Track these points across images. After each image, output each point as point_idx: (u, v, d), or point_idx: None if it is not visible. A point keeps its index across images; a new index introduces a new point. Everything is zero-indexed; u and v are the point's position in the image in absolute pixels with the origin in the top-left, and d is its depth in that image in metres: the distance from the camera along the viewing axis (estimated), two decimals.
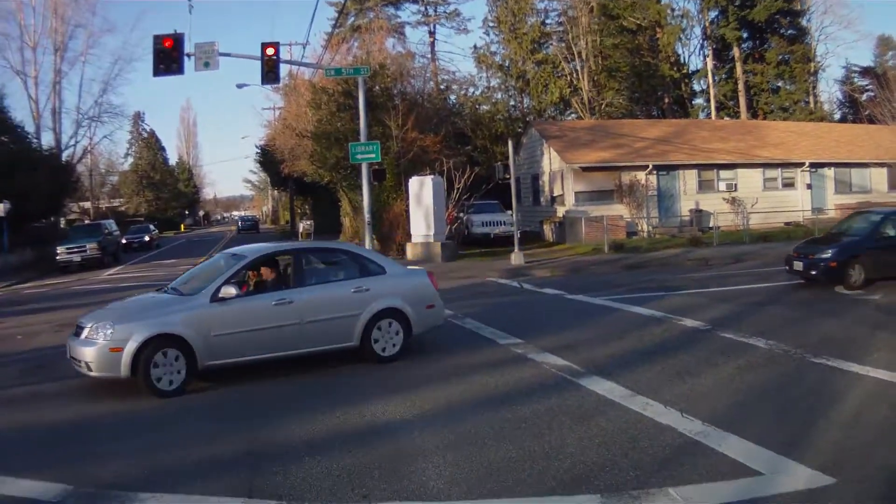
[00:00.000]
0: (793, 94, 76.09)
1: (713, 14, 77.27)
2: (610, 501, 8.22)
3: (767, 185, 49.30)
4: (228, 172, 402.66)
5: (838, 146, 53.29)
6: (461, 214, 45.73)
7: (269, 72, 36.73)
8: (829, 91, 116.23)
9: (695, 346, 15.88)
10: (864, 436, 9.98)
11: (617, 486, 8.63)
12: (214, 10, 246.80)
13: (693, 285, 25.41)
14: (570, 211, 45.99)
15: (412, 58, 70.18)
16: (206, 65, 35.77)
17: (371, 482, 9.09)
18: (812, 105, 76.53)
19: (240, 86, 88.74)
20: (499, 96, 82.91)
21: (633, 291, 24.64)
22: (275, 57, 36.62)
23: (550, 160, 50.51)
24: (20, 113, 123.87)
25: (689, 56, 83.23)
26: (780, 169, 49.75)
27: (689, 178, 48.20)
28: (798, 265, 24.03)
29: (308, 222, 59.10)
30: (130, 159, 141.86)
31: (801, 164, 49.63)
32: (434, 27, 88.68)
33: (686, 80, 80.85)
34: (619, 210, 45.41)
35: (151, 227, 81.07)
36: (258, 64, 36.76)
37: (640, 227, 45.64)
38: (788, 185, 49.87)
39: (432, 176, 39.45)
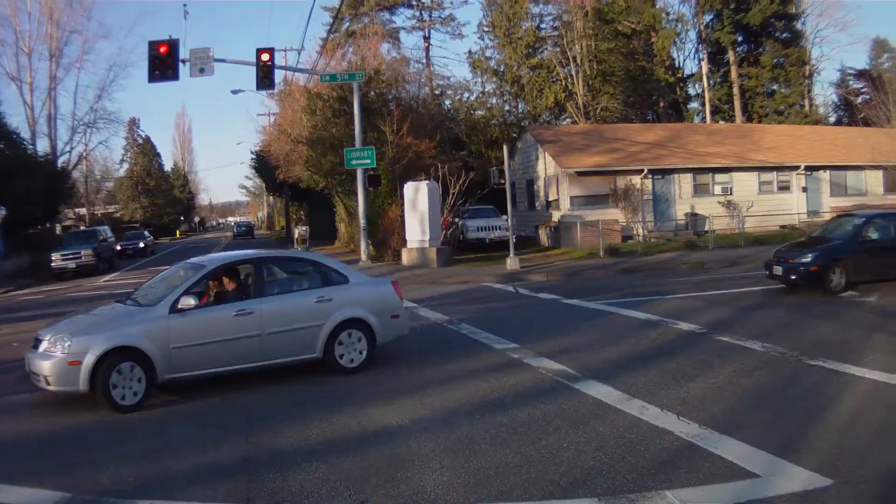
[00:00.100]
0: (788, 98, 76.20)
1: (708, 18, 77.46)
2: None
3: (763, 188, 49.32)
4: (224, 178, 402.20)
5: (833, 149, 53.33)
6: (456, 220, 45.68)
7: (265, 77, 36.90)
8: (824, 94, 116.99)
9: (691, 349, 15.90)
10: (861, 437, 10.01)
11: (614, 489, 8.64)
12: (210, 16, 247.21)
13: (688, 289, 25.40)
14: (566, 215, 46.02)
15: (407, 63, 70.50)
16: (202, 71, 35.88)
17: (369, 488, 9.09)
18: (807, 108, 76.69)
19: (235, 91, 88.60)
20: (494, 101, 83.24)
21: (629, 295, 24.66)
22: (270, 62, 36.79)
23: (545, 165, 50.52)
24: (16, 119, 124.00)
25: (684, 60, 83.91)
26: (775, 172, 49.78)
27: (684, 182, 48.22)
28: (778, 270, 23.90)
29: (303, 228, 59.08)
30: (126, 165, 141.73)
31: (796, 168, 49.68)
32: (429, 32, 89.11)
33: (681, 84, 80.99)
34: (615, 214, 45.38)
35: (146, 233, 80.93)
36: (253, 69, 36.95)
37: (635, 232, 45.60)
38: (784, 188, 49.88)
39: (427, 181, 39.37)
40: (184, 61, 35.35)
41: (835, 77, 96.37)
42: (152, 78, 34.60)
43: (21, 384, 15.04)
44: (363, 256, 40.86)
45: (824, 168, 50.60)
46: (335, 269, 16.05)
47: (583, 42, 74.21)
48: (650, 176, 47.30)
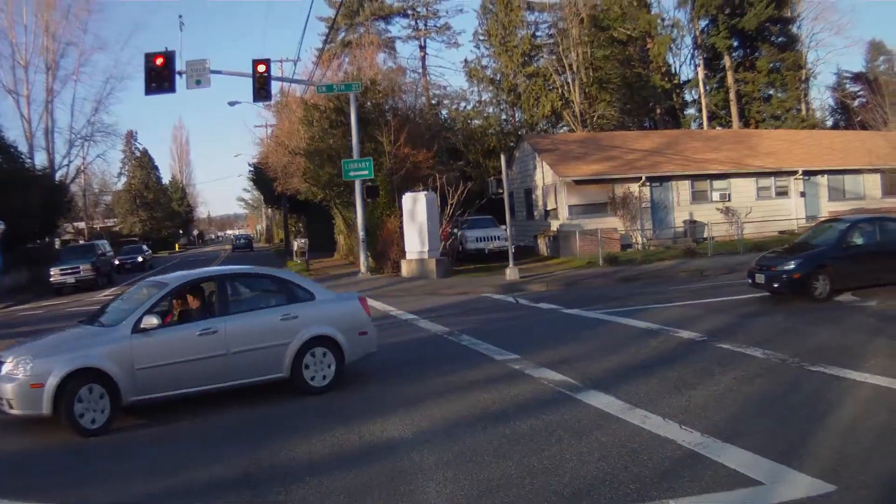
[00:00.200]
0: (784, 102, 76.24)
1: (704, 23, 77.60)
2: None
3: (761, 194, 49.36)
4: (222, 191, 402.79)
5: (831, 153, 53.38)
6: (455, 230, 45.70)
7: (261, 89, 36.93)
8: (820, 98, 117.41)
9: (692, 357, 15.89)
10: (863, 442, 10.01)
11: (617, 499, 8.64)
12: (205, 28, 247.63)
13: (688, 297, 25.39)
14: (564, 225, 46.02)
15: (403, 73, 70.41)
16: (198, 82, 35.92)
17: (371, 501, 9.11)
18: (804, 112, 76.78)
19: (232, 103, 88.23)
20: (490, 110, 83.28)
21: (629, 304, 24.62)
22: (266, 74, 36.84)
23: (543, 174, 50.53)
24: (13, 132, 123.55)
25: (681, 66, 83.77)
26: (773, 178, 49.81)
27: (682, 189, 48.23)
28: (760, 278, 23.67)
29: (302, 240, 59.09)
30: (124, 178, 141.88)
31: (794, 173, 49.73)
32: (425, 41, 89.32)
33: (677, 91, 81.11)
34: (613, 223, 45.42)
35: (144, 247, 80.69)
36: (250, 81, 36.95)
37: (634, 240, 45.64)
38: (782, 193, 49.92)
39: (426, 192, 39.40)
40: (180, 73, 35.38)
41: (831, 81, 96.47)
42: (149, 90, 34.62)
43: None
44: (362, 268, 40.91)
45: (822, 172, 50.63)
46: (301, 286, 15.85)
47: (578, 49, 74.36)
48: (648, 183, 47.31)
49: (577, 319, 22.63)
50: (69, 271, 49.82)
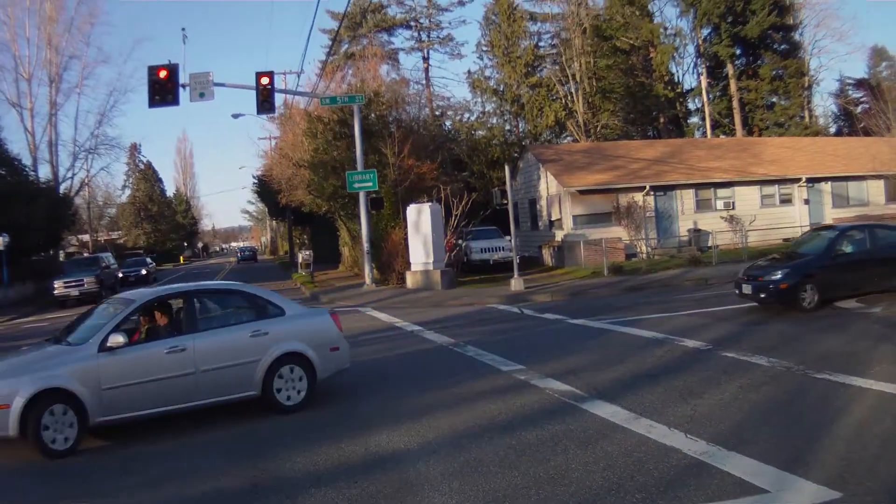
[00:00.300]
0: (787, 110, 76.17)
1: (706, 31, 77.54)
2: None
3: (765, 201, 49.40)
4: (226, 203, 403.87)
5: (834, 160, 53.38)
6: (460, 241, 45.77)
7: (265, 101, 37.01)
8: (823, 105, 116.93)
9: (697, 366, 15.89)
10: (869, 449, 10.01)
11: None
12: (208, 40, 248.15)
13: (693, 305, 25.36)
14: (569, 235, 46.03)
15: (407, 84, 70.70)
16: (202, 95, 35.98)
17: None
18: (807, 119, 76.68)
19: (235, 116, 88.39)
20: (494, 121, 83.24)
21: (634, 314, 24.63)
22: (269, 86, 36.92)
23: (547, 184, 50.59)
24: (17, 145, 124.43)
25: (683, 75, 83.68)
26: (777, 185, 49.84)
27: (686, 198, 48.26)
28: (747, 288, 23.38)
29: (307, 252, 58.98)
30: (128, 191, 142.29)
31: (797, 180, 49.75)
32: (428, 53, 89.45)
33: (681, 99, 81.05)
34: (618, 232, 45.44)
35: (148, 259, 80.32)
36: (253, 93, 37.05)
37: (639, 249, 45.64)
38: (786, 201, 49.94)
39: (430, 203, 39.42)
40: (184, 86, 35.47)
41: (834, 87, 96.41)
42: (152, 103, 34.72)
43: None
44: (367, 280, 40.91)
45: (826, 179, 50.70)
46: (270, 301, 15.44)
47: (581, 59, 74.42)
48: (652, 192, 47.37)
49: (582, 329, 22.63)
50: (73, 284, 49.90)
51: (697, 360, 16.58)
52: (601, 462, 10.19)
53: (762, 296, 22.88)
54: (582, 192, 46.24)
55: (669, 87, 78.48)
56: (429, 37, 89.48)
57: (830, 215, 49.07)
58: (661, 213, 47.84)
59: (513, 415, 13.05)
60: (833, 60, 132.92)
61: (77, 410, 12.65)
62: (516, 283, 34.21)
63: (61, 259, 74.11)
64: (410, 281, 38.93)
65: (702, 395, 13.34)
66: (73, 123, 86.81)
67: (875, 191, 51.32)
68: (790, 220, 47.88)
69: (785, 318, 21.38)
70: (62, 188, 71.80)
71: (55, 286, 50.04)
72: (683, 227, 47.51)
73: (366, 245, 41.19)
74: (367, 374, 17.35)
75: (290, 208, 68.81)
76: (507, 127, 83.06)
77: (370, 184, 39.79)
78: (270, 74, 37.12)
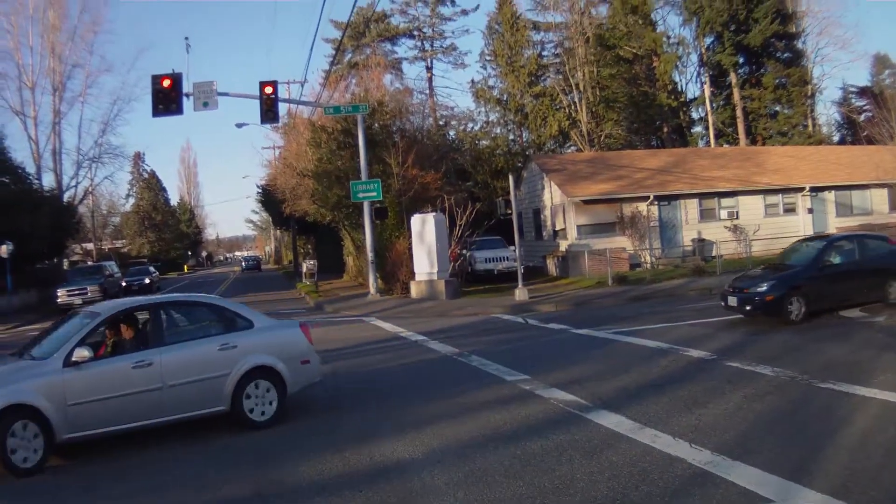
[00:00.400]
0: (791, 118, 76.04)
1: (709, 40, 77.46)
2: None
3: (769, 211, 49.41)
4: (230, 213, 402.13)
5: (838, 169, 53.35)
6: (464, 251, 45.78)
7: (268, 111, 37.05)
8: (826, 113, 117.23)
9: (701, 376, 15.91)
10: (873, 458, 10.04)
11: None
12: (212, 50, 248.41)
13: (697, 315, 25.28)
14: (573, 245, 46.04)
15: (410, 94, 70.60)
16: (206, 104, 36.09)
17: None
18: (810, 128, 76.50)
19: (239, 125, 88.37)
20: (498, 131, 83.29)
21: (638, 324, 24.65)
22: (273, 96, 36.96)
23: (551, 194, 50.62)
24: (20, 153, 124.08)
25: (687, 84, 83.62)
26: (780, 194, 49.84)
27: (690, 208, 48.28)
28: (733, 300, 23.23)
29: (311, 262, 59.04)
30: (132, 200, 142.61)
31: (801, 189, 49.75)
32: (431, 62, 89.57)
33: (684, 109, 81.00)
34: (622, 242, 45.47)
35: (152, 268, 79.55)
36: (257, 103, 37.08)
37: (643, 259, 45.64)
38: (790, 210, 49.94)
39: (434, 213, 39.43)
40: (187, 95, 35.56)
41: (837, 96, 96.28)
42: (156, 112, 34.76)
43: None
44: (372, 289, 40.95)
45: (829, 188, 50.68)
46: (238, 313, 15.05)
47: (585, 68, 74.47)
48: (656, 202, 47.38)
49: (586, 339, 22.65)
50: (76, 292, 50.05)
51: (702, 369, 16.59)
52: (606, 472, 10.20)
53: (747, 308, 22.79)
54: (586, 202, 46.27)
55: (673, 97, 78.40)
56: (432, 46, 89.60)
57: (834, 224, 49.09)
58: (664, 223, 47.85)
59: (517, 425, 13.05)
60: (836, 69, 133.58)
61: (43, 427, 12.30)
62: (520, 293, 34.22)
63: (65, 267, 74.18)
64: (415, 291, 38.98)
65: (706, 405, 13.36)
66: (77, 132, 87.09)
67: (879, 199, 51.32)
68: (794, 229, 47.81)
69: (789, 328, 21.39)
70: (66, 196, 71.91)
71: (58, 294, 50.21)
72: (687, 236, 47.53)
73: (370, 255, 41.21)
74: (372, 383, 17.39)
75: (295, 218, 68.70)
76: (511, 136, 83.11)
77: (374, 193, 39.85)
78: (274, 84, 37.17)
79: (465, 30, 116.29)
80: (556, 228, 50.23)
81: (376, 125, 46.08)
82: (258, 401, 14.27)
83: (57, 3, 70.65)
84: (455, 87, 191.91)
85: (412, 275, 39.69)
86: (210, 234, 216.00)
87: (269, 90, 36.76)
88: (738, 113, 75.43)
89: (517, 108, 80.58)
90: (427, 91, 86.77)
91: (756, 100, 75.60)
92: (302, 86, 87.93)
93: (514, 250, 39.03)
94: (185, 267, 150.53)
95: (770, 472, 9.67)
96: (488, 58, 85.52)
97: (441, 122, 79.20)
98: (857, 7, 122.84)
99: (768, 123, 76.26)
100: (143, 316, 14.65)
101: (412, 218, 39.75)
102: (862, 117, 75.97)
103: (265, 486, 10.80)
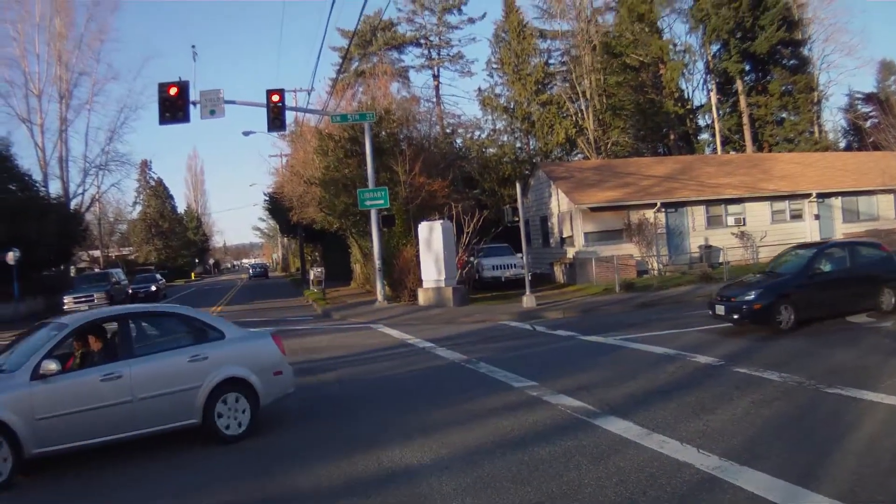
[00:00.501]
0: (797, 125, 75.93)
1: (715, 48, 77.40)
2: None
3: (775, 217, 49.35)
4: (237, 220, 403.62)
5: (844, 175, 53.30)
6: (471, 258, 45.81)
7: (275, 119, 37.06)
8: (833, 120, 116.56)
9: (709, 381, 15.92)
10: (881, 463, 10.07)
11: None
12: (218, 57, 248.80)
13: (705, 322, 25.11)
14: (580, 252, 46.05)
15: (417, 102, 70.64)
16: (212, 112, 36.08)
17: None
18: (817, 135, 76.41)
19: (246, 133, 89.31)
20: (505, 139, 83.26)
21: (646, 330, 24.67)
22: (280, 104, 36.98)
23: (559, 201, 50.62)
24: (27, 161, 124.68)
25: (693, 91, 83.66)
26: (787, 201, 49.77)
27: (697, 215, 48.24)
28: (720, 309, 23.19)
29: (319, 269, 59.00)
30: (139, 207, 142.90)
31: (808, 195, 49.70)
32: (438, 70, 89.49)
33: (691, 116, 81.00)
34: (629, 249, 45.46)
35: (158, 276, 79.18)
36: (264, 111, 37.11)
37: (650, 266, 45.59)
38: (796, 216, 49.88)
39: (441, 221, 39.52)
40: (194, 103, 35.59)
41: (843, 102, 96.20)
42: (163, 120, 34.78)
43: None
44: (379, 297, 40.98)
45: (836, 195, 50.60)
46: (209, 324, 14.74)
47: (591, 76, 74.34)
48: (663, 209, 47.35)
49: (594, 346, 22.66)
50: (83, 299, 50.20)
51: (709, 375, 16.62)
52: (614, 477, 10.23)
53: (735, 316, 22.69)
54: (593, 210, 46.29)
55: (679, 104, 78.43)
56: (439, 54, 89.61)
57: (841, 230, 49.08)
58: (672, 230, 47.83)
59: (525, 431, 13.07)
60: (842, 75, 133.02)
61: (10, 442, 11.92)
62: (528, 300, 34.23)
63: (72, 274, 74.32)
64: (422, 298, 39.01)
65: (714, 411, 13.39)
66: (84, 140, 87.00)
67: (885, 205, 51.22)
68: (801, 235, 47.80)
69: (796, 334, 21.37)
70: (73, 204, 72.08)
71: (65, 301, 50.32)
72: (694, 243, 47.54)
73: (377, 262, 41.26)
74: (380, 390, 17.43)
75: (302, 225, 68.81)
76: (518, 144, 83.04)
77: (382, 201, 39.92)
78: (281, 92, 37.23)
79: (472, 38, 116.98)
80: (564, 236, 50.22)
81: (383, 133, 46.18)
82: (230, 412, 13.98)
83: (63, 12, 70.92)
84: (462, 96, 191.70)
85: (420, 282, 39.79)
86: (217, 241, 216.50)
87: (276, 98, 36.80)
88: (745, 120, 75.35)
89: (524, 115, 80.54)
90: (434, 99, 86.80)
91: (762, 107, 75.50)
92: (309, 94, 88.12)
93: (522, 257, 39.04)
94: (193, 274, 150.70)
95: (778, 477, 9.69)
96: (495, 66, 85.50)
97: (448, 130, 79.10)
98: (862, 14, 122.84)
99: (775, 130, 76.18)
100: (111, 327, 14.35)
101: (419, 225, 39.86)
102: (868, 123, 75.79)
103: (272, 490, 10.86)
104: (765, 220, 48.71)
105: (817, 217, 49.77)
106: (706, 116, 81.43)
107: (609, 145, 74.52)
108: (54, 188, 70.22)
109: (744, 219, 48.31)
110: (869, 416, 12.38)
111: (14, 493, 11.84)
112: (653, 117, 77.65)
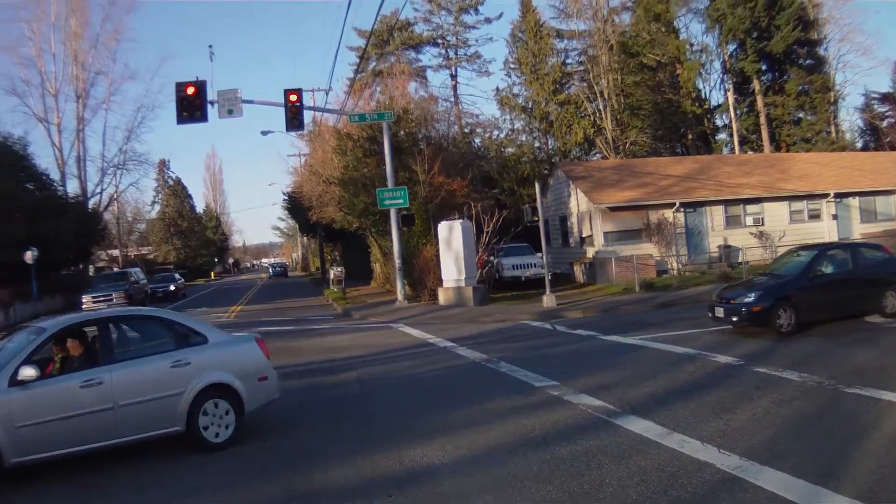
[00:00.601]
0: (814, 125, 75.61)
1: (732, 47, 77.08)
2: None
3: (794, 217, 49.22)
4: (256, 220, 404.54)
5: (862, 175, 53.11)
6: (491, 258, 45.77)
7: (294, 118, 37.09)
8: (849, 120, 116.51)
9: (729, 381, 15.95)
10: None
11: None
12: (235, 57, 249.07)
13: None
14: (600, 251, 46.06)
15: (435, 101, 70.55)
16: (230, 112, 36.17)
17: None
18: (834, 135, 76.07)
19: (264, 133, 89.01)
20: (523, 138, 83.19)
21: (666, 329, 24.69)
22: (298, 103, 36.99)
23: (578, 201, 50.62)
24: (44, 160, 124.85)
25: (710, 91, 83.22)
26: (805, 201, 49.65)
27: (716, 214, 48.16)
28: (719, 311, 23.04)
29: (339, 269, 59.13)
30: (157, 207, 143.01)
31: (825, 195, 49.56)
32: (455, 70, 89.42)
33: (708, 116, 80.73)
34: (649, 249, 45.45)
35: (177, 275, 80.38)
36: (282, 110, 37.17)
37: (669, 265, 45.51)
38: (814, 216, 49.74)
39: (461, 220, 39.57)
40: (212, 103, 35.68)
41: (859, 102, 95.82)
42: (181, 119, 34.86)
43: None
44: (399, 296, 41.05)
45: (853, 195, 50.43)
46: (191, 328, 14.37)
47: (609, 76, 74.18)
48: (682, 209, 47.28)
49: (614, 346, 22.69)
50: (101, 299, 50.37)
51: (729, 375, 16.65)
52: (635, 477, 10.29)
53: (734, 319, 22.57)
54: (612, 209, 46.27)
55: (697, 104, 78.18)
56: (456, 54, 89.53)
57: (858, 230, 48.94)
58: (690, 230, 47.78)
59: (546, 430, 13.13)
60: (858, 75, 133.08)
61: None
62: (548, 300, 34.25)
63: (91, 273, 74.56)
64: (442, 297, 39.09)
65: (734, 410, 13.42)
66: (101, 139, 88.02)
67: None
68: (819, 235, 47.71)
69: (815, 334, 21.33)
70: (91, 203, 72.52)
71: (83, 301, 50.49)
72: (713, 243, 47.49)
73: (397, 261, 41.31)
74: (401, 389, 17.51)
75: (321, 225, 68.81)
76: (537, 144, 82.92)
77: (401, 201, 39.96)
78: (299, 92, 37.27)
79: (489, 38, 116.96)
80: (583, 235, 50.19)
81: (402, 133, 46.21)
82: (214, 419, 13.64)
83: (79, 11, 71.40)
84: (480, 95, 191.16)
85: (440, 281, 39.84)
86: (236, 241, 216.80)
87: (293, 98, 36.84)
88: (762, 120, 75.10)
89: (542, 115, 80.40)
90: (452, 99, 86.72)
91: (779, 106, 75.25)
92: (326, 93, 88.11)
93: (542, 257, 38.96)
94: (212, 274, 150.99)
95: (798, 476, 9.74)
96: (512, 66, 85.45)
97: (466, 130, 79.14)
98: (877, 14, 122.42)
99: (792, 130, 75.91)
100: (91, 331, 13.94)
101: (439, 225, 39.95)
102: (884, 123, 75.68)
103: (294, 488, 10.97)
104: (783, 219, 48.60)
105: (835, 217, 49.65)
106: (723, 116, 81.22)
107: (627, 145, 74.46)
108: (72, 187, 70.78)
109: (762, 219, 48.23)
110: (888, 416, 12.39)
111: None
112: (670, 117, 77.51)
